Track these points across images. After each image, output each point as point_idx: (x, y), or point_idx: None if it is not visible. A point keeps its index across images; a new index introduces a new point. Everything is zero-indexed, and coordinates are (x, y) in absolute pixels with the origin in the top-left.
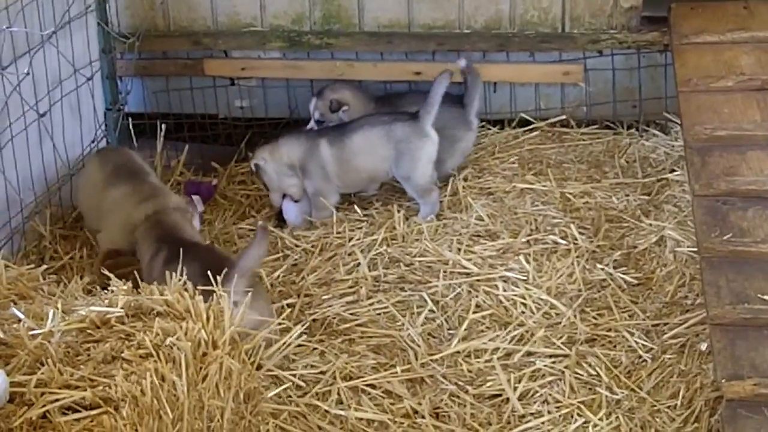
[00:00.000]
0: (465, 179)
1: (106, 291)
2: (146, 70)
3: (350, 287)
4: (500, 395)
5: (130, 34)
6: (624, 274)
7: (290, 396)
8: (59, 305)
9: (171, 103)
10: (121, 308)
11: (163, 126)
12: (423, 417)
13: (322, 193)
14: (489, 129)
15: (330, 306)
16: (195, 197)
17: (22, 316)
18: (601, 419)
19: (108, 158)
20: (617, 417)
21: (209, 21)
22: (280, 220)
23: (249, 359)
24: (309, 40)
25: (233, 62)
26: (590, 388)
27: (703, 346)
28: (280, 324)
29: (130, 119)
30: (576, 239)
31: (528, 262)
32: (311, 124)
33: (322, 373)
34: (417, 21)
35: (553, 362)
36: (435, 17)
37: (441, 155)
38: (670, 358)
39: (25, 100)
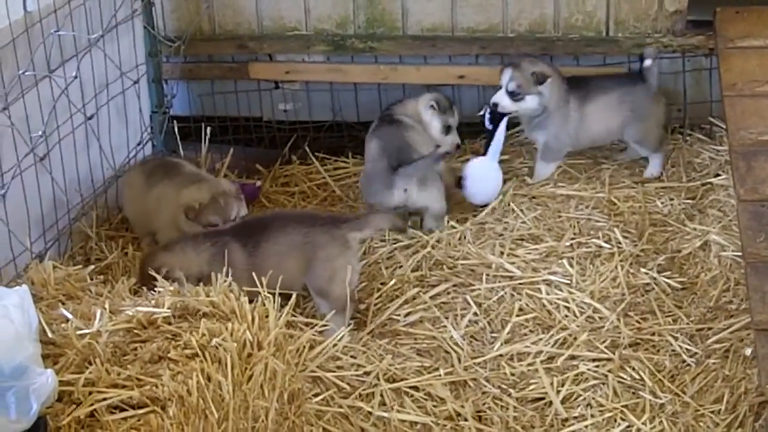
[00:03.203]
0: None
1: (152, 292)
2: (192, 74)
3: (394, 289)
4: (543, 399)
5: (176, 37)
6: (668, 278)
7: (333, 397)
8: (107, 305)
9: (216, 106)
10: (168, 309)
11: (208, 129)
12: (466, 420)
13: None
14: None
15: (375, 308)
16: None
17: (70, 316)
18: (644, 423)
19: (146, 164)
20: (661, 421)
21: (254, 25)
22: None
23: (293, 360)
24: (353, 44)
25: (278, 66)
26: (634, 392)
27: (748, 351)
28: (324, 326)
29: (175, 122)
30: (620, 243)
31: (571, 265)
32: (500, 97)
33: (366, 374)
34: (460, 25)
35: (597, 366)
36: (478, 21)
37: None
38: (714, 363)
39: (72, 103)
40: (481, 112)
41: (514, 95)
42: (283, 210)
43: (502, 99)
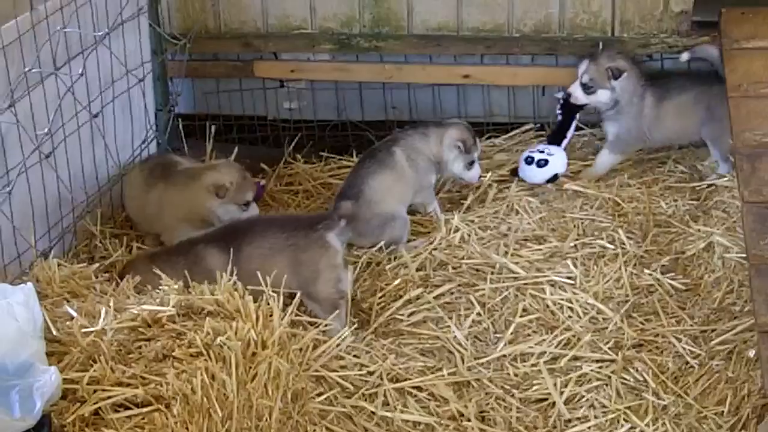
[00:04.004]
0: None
1: (157, 290)
2: (197, 72)
3: (398, 289)
4: (546, 399)
5: (182, 35)
6: (672, 279)
7: (337, 397)
8: (111, 303)
9: (221, 104)
10: (173, 307)
11: (213, 127)
12: (469, 420)
13: None
14: (538, 132)
15: (379, 307)
16: None
17: (74, 313)
18: (647, 425)
19: (146, 164)
20: (664, 423)
21: (259, 23)
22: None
23: (297, 360)
24: (358, 43)
25: (283, 64)
26: (637, 394)
27: (752, 353)
28: (327, 325)
29: (180, 120)
30: (624, 244)
31: (575, 266)
32: (574, 88)
33: (369, 374)
34: (466, 24)
35: (600, 367)
36: (484, 20)
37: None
38: (717, 365)
39: (78, 101)
40: (558, 94)
41: (587, 88)
42: (260, 216)
43: (575, 90)
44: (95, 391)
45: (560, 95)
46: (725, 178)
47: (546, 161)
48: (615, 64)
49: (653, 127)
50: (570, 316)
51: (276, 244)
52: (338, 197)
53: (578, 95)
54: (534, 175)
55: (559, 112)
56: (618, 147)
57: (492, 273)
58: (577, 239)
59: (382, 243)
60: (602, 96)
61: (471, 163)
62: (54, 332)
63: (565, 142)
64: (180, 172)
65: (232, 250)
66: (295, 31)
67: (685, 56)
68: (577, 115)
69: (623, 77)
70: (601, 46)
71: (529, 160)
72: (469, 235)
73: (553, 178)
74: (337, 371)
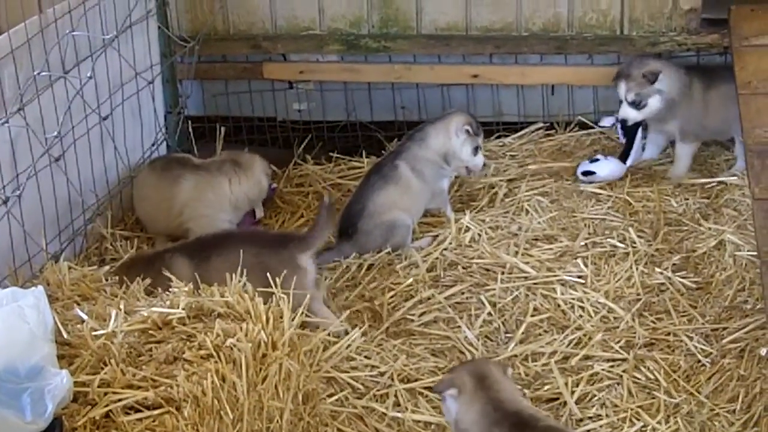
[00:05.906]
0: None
1: (167, 292)
2: (206, 74)
3: (408, 289)
4: (558, 399)
5: (190, 38)
6: (683, 278)
7: (348, 398)
8: (121, 306)
9: (230, 106)
10: (183, 309)
11: (222, 129)
12: None
13: None
14: (548, 132)
15: (390, 307)
16: None
17: (85, 316)
18: (659, 423)
19: (156, 163)
20: (676, 421)
21: (268, 25)
22: None
23: (307, 361)
24: (367, 44)
25: (292, 65)
26: (648, 392)
27: (763, 351)
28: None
29: (189, 122)
30: (635, 243)
31: (586, 265)
32: (625, 111)
33: (380, 374)
34: (475, 24)
35: (611, 366)
36: (493, 20)
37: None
38: (729, 363)
39: (87, 104)
40: (608, 124)
41: (636, 105)
42: (231, 230)
43: (627, 113)
44: (106, 393)
45: (607, 123)
46: (734, 177)
47: (597, 160)
48: (647, 68)
49: (704, 115)
50: (581, 316)
51: (245, 260)
52: (345, 210)
53: (632, 116)
54: (583, 163)
55: (621, 134)
56: (689, 136)
57: (503, 273)
58: (587, 238)
59: (388, 248)
60: (654, 103)
61: (476, 149)
62: (65, 335)
63: (630, 160)
64: (215, 161)
65: (198, 261)
66: (303, 32)
67: None
68: (639, 131)
69: (661, 76)
70: (625, 64)
71: (591, 155)
72: (480, 235)
73: (588, 173)
74: (348, 372)
